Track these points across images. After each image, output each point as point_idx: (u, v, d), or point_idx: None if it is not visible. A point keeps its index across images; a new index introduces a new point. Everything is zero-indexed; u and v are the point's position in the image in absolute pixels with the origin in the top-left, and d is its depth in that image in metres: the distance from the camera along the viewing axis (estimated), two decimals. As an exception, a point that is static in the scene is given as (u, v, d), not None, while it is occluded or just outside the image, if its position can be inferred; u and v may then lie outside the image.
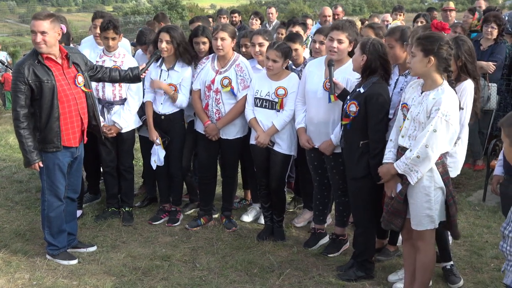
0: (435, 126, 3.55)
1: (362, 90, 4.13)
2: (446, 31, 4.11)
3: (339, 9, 9.32)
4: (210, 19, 9.05)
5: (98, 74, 4.86)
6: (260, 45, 5.17)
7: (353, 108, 4.13)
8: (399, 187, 3.82)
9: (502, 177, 4.13)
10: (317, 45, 5.03)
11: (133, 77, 5.03)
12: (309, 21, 8.78)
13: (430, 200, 3.70)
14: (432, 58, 3.59)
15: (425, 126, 3.59)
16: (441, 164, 3.73)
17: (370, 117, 4.09)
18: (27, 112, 4.34)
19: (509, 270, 2.62)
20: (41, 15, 4.38)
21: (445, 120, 3.55)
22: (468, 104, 3.97)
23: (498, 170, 4.19)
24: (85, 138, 4.70)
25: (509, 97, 7.20)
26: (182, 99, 5.23)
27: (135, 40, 6.23)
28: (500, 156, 4.17)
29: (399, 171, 3.72)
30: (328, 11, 9.13)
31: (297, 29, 6.07)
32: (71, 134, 4.51)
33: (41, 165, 4.43)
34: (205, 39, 5.28)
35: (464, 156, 4.11)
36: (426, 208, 3.71)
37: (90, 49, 5.76)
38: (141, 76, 5.06)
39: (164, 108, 5.30)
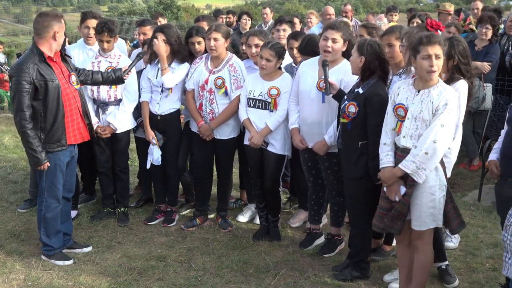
0: (443, 121, 3.56)
1: (361, 91, 4.11)
2: (442, 28, 4.13)
3: (348, 7, 9.44)
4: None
5: (81, 76, 4.79)
6: (256, 46, 5.15)
7: (352, 109, 4.10)
8: (403, 190, 3.78)
9: (497, 163, 4.04)
10: None
11: (115, 78, 4.95)
12: (295, 20, 8.83)
13: (434, 199, 3.70)
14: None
15: (431, 122, 3.59)
16: (441, 163, 3.74)
17: (369, 118, 4.06)
18: (31, 113, 4.28)
19: (507, 262, 2.62)
20: None
21: (451, 115, 3.58)
22: (462, 104, 3.97)
23: (493, 156, 4.07)
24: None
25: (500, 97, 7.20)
26: (169, 77, 5.13)
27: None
28: (496, 145, 4.10)
29: (408, 171, 3.66)
30: (331, 10, 9.12)
31: (284, 27, 5.94)
32: (71, 132, 4.50)
33: (49, 164, 4.39)
34: (200, 39, 5.28)
35: (456, 156, 4.10)
36: (431, 207, 3.71)
37: (79, 50, 5.73)
38: (124, 77, 4.99)
39: (161, 108, 5.29)
